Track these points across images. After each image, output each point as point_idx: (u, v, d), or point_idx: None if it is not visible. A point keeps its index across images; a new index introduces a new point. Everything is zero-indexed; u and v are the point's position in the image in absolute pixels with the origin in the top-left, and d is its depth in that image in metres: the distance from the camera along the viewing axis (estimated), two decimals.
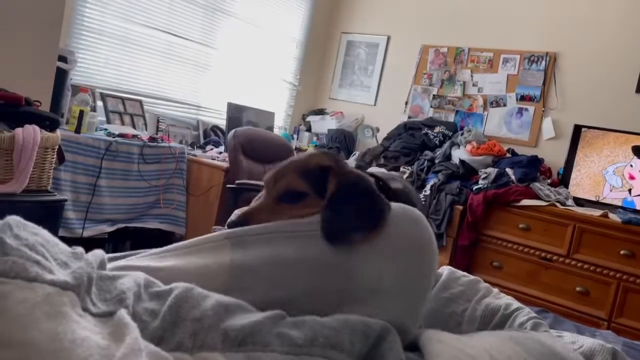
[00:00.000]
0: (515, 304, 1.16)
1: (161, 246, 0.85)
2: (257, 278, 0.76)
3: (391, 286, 0.79)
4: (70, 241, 0.71)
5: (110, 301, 0.59)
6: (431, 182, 3.44)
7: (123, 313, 0.56)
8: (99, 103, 3.10)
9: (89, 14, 3.09)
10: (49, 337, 0.49)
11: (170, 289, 0.65)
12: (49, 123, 2.10)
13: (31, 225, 0.70)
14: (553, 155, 3.63)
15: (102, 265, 0.69)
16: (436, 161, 3.67)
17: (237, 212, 0.93)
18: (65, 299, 0.56)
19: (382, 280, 0.78)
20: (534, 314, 1.12)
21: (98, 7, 3.12)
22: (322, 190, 0.87)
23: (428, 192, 3.38)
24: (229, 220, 0.92)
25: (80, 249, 0.69)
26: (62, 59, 2.59)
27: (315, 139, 4.57)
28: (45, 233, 0.70)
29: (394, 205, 0.87)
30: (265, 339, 0.60)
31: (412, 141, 3.96)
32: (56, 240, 0.70)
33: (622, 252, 2.85)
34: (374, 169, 3.70)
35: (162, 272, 0.77)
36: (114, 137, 2.83)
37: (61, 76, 2.55)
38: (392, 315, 0.75)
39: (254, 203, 0.95)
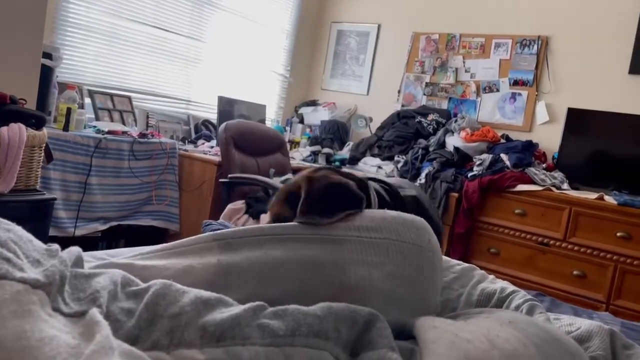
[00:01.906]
0: (511, 287, 1.15)
1: (155, 243, 0.84)
2: (245, 276, 0.75)
3: (383, 287, 0.77)
4: (62, 241, 0.69)
5: (84, 300, 0.57)
6: (426, 171, 3.42)
7: (95, 312, 0.54)
8: (87, 100, 3.06)
9: (74, 10, 3.04)
10: (15, 336, 0.47)
11: (148, 287, 0.62)
12: (35, 121, 2.07)
13: (4, 222, 0.68)
14: (547, 139, 3.61)
15: (78, 263, 0.66)
16: (430, 149, 3.65)
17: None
18: (34, 297, 0.54)
19: (373, 280, 0.77)
20: (530, 297, 1.10)
21: (83, 2, 3.08)
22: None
23: (423, 181, 3.36)
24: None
25: (55, 246, 0.67)
26: (47, 55, 2.55)
27: (308, 130, 4.54)
28: (18, 229, 0.68)
29: (392, 212, 0.87)
30: (244, 332, 0.58)
31: (406, 130, 3.93)
32: (30, 236, 0.68)
33: (618, 234, 2.84)
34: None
35: (146, 271, 0.75)
36: (103, 134, 2.80)
37: (47, 73, 2.51)
38: (384, 310, 0.73)
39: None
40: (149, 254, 0.82)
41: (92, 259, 0.98)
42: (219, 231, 0.84)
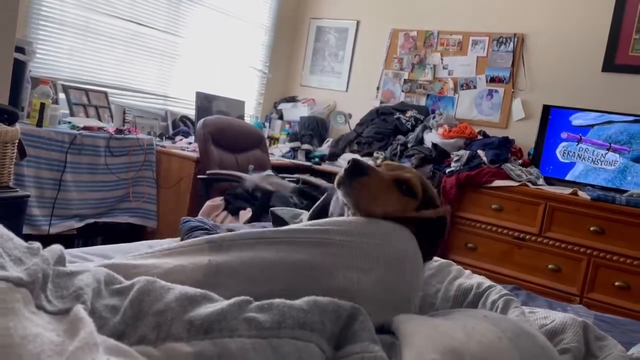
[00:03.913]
0: (487, 282, 1.17)
1: (132, 241, 0.85)
2: (234, 276, 0.76)
3: (370, 291, 0.79)
4: (36, 239, 0.68)
5: (67, 298, 0.57)
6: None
7: (79, 309, 0.53)
8: (61, 95, 3.00)
9: (47, 3, 2.98)
10: None
11: (132, 284, 0.62)
12: (7, 117, 2.03)
13: None
14: (523, 135, 3.67)
15: (60, 261, 0.65)
16: (409, 145, 3.68)
17: (354, 160, 0.94)
18: (17, 295, 0.53)
19: (361, 284, 0.78)
20: (506, 291, 1.13)
21: None
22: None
23: None
24: (345, 167, 0.94)
25: (37, 244, 0.66)
26: (20, 50, 2.49)
27: (287, 126, 4.53)
28: None
29: (384, 222, 0.90)
30: (231, 324, 0.58)
31: (385, 126, 3.96)
32: (11, 234, 0.67)
33: (591, 228, 2.91)
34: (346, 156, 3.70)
35: (135, 270, 0.75)
36: (78, 130, 2.75)
37: (19, 68, 2.45)
38: (372, 313, 0.74)
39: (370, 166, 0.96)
40: (142, 255, 0.83)
41: (71, 257, 0.96)
42: (213, 235, 0.86)
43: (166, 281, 0.69)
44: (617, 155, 3.19)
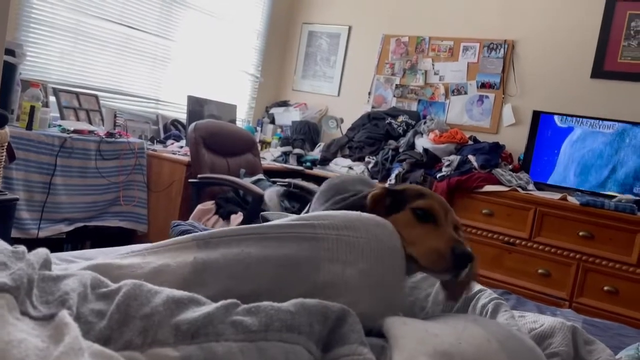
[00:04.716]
0: (477, 286, 1.17)
1: (122, 245, 0.84)
2: (220, 274, 0.76)
3: (355, 283, 0.79)
4: (25, 242, 0.67)
5: (53, 303, 0.56)
6: (396, 171, 3.46)
7: (64, 314, 0.53)
8: (52, 98, 2.98)
9: (38, 6, 2.96)
10: None
11: (119, 288, 0.62)
12: None
13: None
14: (513, 141, 3.69)
15: (45, 265, 0.65)
16: (400, 150, 3.69)
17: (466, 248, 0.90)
18: (1, 301, 0.52)
19: (346, 276, 0.78)
20: (495, 295, 1.13)
21: None
22: None
23: (393, 181, 3.40)
24: (458, 252, 0.88)
25: (22, 248, 0.65)
26: (10, 52, 2.48)
27: (279, 131, 4.53)
28: None
29: (366, 214, 0.90)
30: (218, 328, 0.58)
31: (376, 131, 3.97)
32: None
33: (581, 233, 2.93)
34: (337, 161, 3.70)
35: (120, 270, 0.75)
36: (68, 134, 2.73)
37: (9, 70, 2.44)
38: (357, 311, 0.75)
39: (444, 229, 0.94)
40: (128, 254, 0.83)
41: (57, 260, 0.96)
42: (199, 232, 0.85)
43: (151, 281, 0.69)
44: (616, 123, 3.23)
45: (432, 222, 0.93)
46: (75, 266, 0.78)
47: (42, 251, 0.66)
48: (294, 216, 0.90)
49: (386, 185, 0.97)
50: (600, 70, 3.48)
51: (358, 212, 0.90)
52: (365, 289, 0.79)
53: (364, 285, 0.79)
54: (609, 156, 3.23)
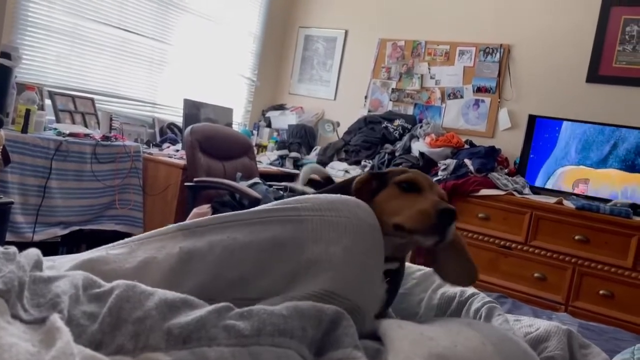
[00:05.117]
0: (470, 290, 1.17)
1: None
2: (206, 261, 0.77)
3: (339, 258, 0.80)
4: (20, 246, 0.67)
5: (44, 306, 0.56)
6: None
7: (55, 318, 0.52)
8: (48, 101, 2.98)
9: (34, 9, 2.96)
10: None
11: (111, 289, 0.61)
12: None
13: None
14: (509, 145, 3.70)
15: (37, 266, 0.64)
16: (396, 154, 3.70)
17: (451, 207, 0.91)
18: None
19: (329, 253, 0.79)
20: (489, 299, 1.13)
21: (44, 1, 2.99)
22: None
23: None
24: (442, 207, 0.90)
25: (13, 249, 0.65)
26: (6, 55, 2.48)
27: (275, 134, 4.53)
28: None
29: (348, 197, 0.91)
30: (210, 333, 0.58)
31: (373, 135, 3.97)
32: None
33: (576, 237, 2.94)
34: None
35: (108, 265, 0.75)
36: (64, 137, 2.72)
37: (5, 73, 2.44)
38: (341, 283, 0.76)
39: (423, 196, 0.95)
40: (115, 245, 0.84)
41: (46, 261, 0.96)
42: (185, 222, 0.86)
43: (140, 274, 0.70)
44: None
45: (416, 191, 0.94)
46: (62, 261, 0.78)
47: (33, 252, 0.66)
48: (280, 201, 0.92)
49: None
50: (595, 75, 3.50)
51: (339, 195, 0.92)
52: (349, 264, 0.80)
53: (347, 261, 0.80)
54: (611, 131, 3.23)
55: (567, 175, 3.35)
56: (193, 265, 0.76)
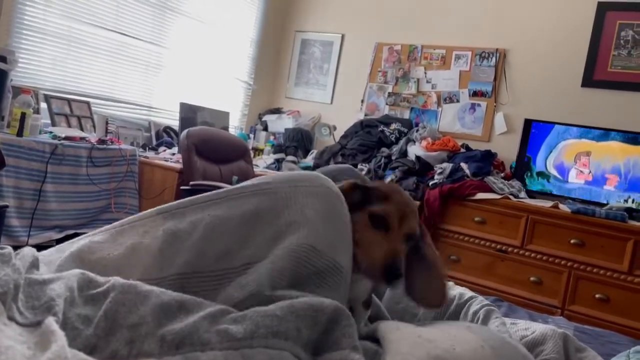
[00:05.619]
0: (469, 293, 1.17)
1: None
2: (192, 240, 0.80)
3: (313, 217, 0.84)
4: (14, 250, 0.67)
5: (39, 309, 0.55)
6: (388, 179, 3.47)
7: (51, 321, 0.52)
8: (43, 105, 2.97)
9: (30, 12, 2.95)
10: None
11: (107, 291, 0.61)
12: None
13: None
14: (505, 149, 3.71)
15: (33, 265, 0.64)
16: (393, 158, 3.70)
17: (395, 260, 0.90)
18: None
19: (305, 214, 0.84)
20: (487, 302, 1.13)
21: (41, 5, 2.99)
22: None
23: None
24: (389, 264, 0.89)
25: (8, 250, 0.65)
26: (1, 59, 2.47)
27: (272, 138, 4.53)
28: None
29: (314, 172, 0.98)
30: (203, 338, 0.58)
31: (369, 138, 3.98)
32: None
33: (572, 241, 2.94)
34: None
35: (95, 255, 0.77)
36: (59, 140, 2.72)
37: (0, 77, 2.43)
38: (318, 239, 0.79)
39: (376, 236, 0.93)
40: (96, 233, 0.87)
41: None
42: (162, 205, 0.91)
43: (128, 261, 0.72)
44: None
45: (383, 229, 0.92)
46: (51, 258, 0.78)
47: (29, 252, 0.66)
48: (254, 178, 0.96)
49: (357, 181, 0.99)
50: (590, 79, 3.51)
51: (312, 172, 0.97)
52: (325, 221, 0.84)
53: (322, 219, 0.84)
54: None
55: (568, 149, 3.34)
56: (179, 245, 0.79)
